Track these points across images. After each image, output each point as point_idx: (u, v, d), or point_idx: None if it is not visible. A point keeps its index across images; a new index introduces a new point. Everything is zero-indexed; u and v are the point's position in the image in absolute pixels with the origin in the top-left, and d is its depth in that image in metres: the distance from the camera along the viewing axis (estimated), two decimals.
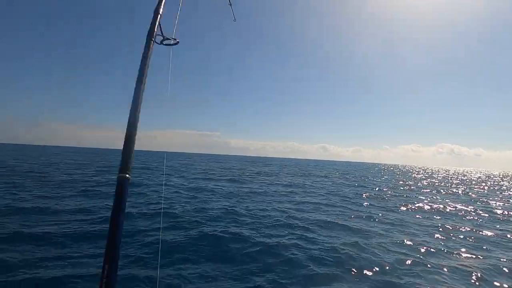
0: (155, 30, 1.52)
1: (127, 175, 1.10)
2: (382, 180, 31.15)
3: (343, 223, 8.74)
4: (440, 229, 8.93)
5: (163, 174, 21.28)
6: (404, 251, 6.51)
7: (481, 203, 16.00)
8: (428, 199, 16.38)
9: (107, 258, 0.95)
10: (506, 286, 5.10)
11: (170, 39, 1.61)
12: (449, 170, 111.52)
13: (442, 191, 22.25)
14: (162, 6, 1.63)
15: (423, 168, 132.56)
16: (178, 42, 1.63)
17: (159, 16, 1.57)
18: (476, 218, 11.12)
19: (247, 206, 10.49)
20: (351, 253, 6.06)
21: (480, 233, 8.80)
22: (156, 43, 1.53)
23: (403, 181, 31.44)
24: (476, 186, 29.76)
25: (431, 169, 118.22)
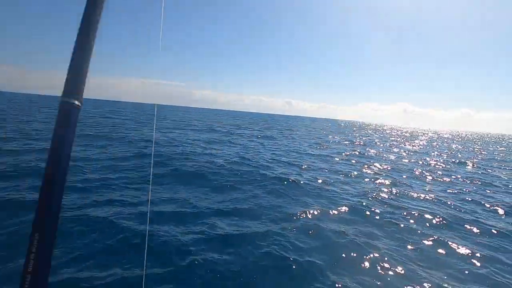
0: None
1: (75, 102, 0.77)
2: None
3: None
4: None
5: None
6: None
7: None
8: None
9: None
10: None
11: None
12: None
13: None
14: None
15: (375, 125, 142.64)
16: None
17: None
18: None
19: None
20: None
21: None
22: None
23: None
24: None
25: (381, 125, 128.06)
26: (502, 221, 6.47)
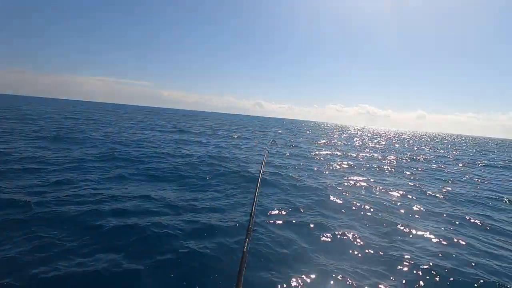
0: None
1: None
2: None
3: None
4: None
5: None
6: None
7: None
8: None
9: None
10: None
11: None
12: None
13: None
14: None
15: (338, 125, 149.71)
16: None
17: None
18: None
19: None
20: None
21: None
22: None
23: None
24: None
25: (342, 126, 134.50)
26: (451, 207, 7.21)
